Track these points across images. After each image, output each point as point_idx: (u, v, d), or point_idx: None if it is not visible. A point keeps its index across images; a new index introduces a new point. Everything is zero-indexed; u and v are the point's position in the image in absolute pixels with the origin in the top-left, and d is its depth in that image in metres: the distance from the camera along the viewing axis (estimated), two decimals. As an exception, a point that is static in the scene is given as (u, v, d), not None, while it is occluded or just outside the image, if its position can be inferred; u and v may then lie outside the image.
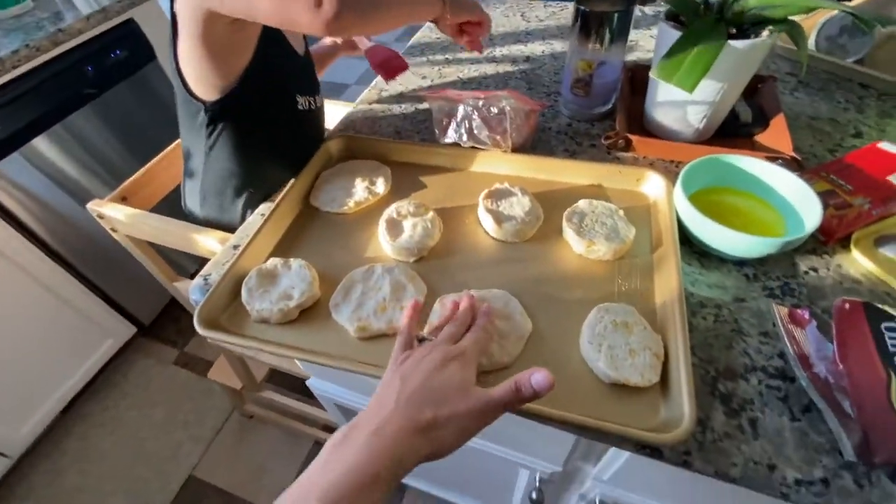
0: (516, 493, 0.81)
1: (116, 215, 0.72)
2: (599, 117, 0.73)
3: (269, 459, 1.33)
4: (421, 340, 0.42)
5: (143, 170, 0.80)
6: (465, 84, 0.84)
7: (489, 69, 0.88)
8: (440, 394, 0.33)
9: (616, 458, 0.52)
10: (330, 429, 1.31)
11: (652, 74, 0.54)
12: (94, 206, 0.73)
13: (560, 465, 0.61)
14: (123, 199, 0.76)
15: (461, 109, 0.62)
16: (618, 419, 0.39)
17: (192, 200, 0.73)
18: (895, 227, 0.52)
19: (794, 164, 0.58)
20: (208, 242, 0.68)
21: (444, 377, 0.34)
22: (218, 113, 0.61)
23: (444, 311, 0.45)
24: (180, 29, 0.55)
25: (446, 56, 0.93)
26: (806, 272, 0.50)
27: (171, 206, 0.82)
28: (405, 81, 0.86)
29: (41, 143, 1.13)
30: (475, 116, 0.62)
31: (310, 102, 0.69)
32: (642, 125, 0.70)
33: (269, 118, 0.64)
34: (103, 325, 1.41)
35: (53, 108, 1.14)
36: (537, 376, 0.33)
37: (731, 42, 0.52)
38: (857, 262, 0.50)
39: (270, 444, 1.37)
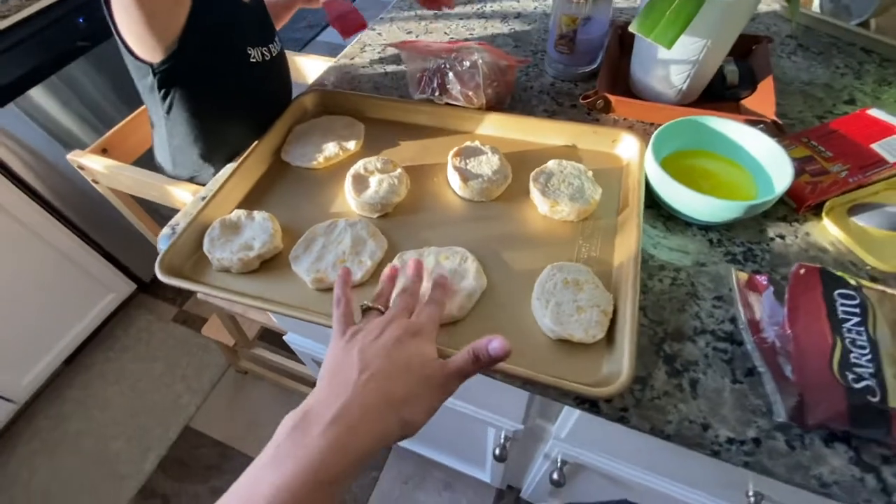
0: (487, 451, 0.84)
1: (96, 167, 0.73)
2: (584, 77, 0.70)
3: (262, 414, 1.39)
4: (367, 311, 0.39)
5: (123, 122, 0.80)
6: (455, 41, 0.82)
7: (477, 25, 0.85)
8: (402, 370, 0.31)
9: (569, 416, 0.53)
10: (320, 387, 1.35)
11: (631, 28, 0.52)
12: (74, 157, 0.74)
13: (521, 423, 0.62)
14: (104, 151, 0.76)
15: (433, 63, 0.60)
16: (561, 374, 0.39)
17: (163, 161, 0.73)
18: (871, 197, 0.51)
19: (774, 129, 0.56)
20: (183, 195, 0.68)
21: (406, 355, 0.32)
22: (166, 75, 0.60)
23: (384, 277, 0.43)
24: None
25: (435, 11, 0.89)
26: (772, 239, 0.49)
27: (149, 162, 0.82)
28: (390, 36, 0.83)
29: (37, 95, 1.13)
30: (448, 71, 0.60)
31: (263, 54, 0.67)
32: (628, 87, 0.67)
33: (221, 76, 0.63)
34: (104, 281, 1.45)
35: (47, 59, 1.13)
36: (494, 343, 0.32)
37: (714, -6, 0.49)
38: (827, 231, 0.49)
39: (263, 399, 1.42)
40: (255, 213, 0.53)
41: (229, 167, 0.63)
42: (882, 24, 0.75)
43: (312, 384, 1.33)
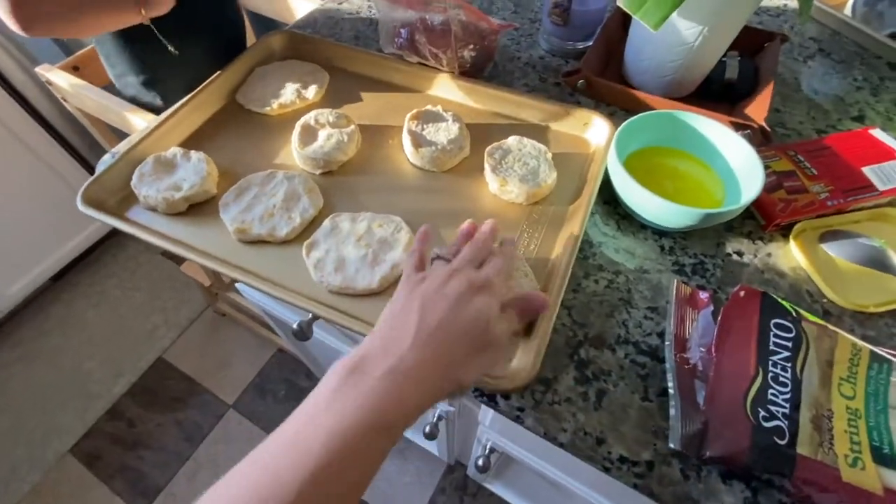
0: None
1: (62, 84, 0.71)
2: (578, 54, 0.65)
3: (234, 356, 1.41)
4: (434, 259, 0.36)
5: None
6: (451, -1, 0.76)
7: (479, -15, 0.78)
8: (463, 334, 0.29)
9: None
10: (290, 339, 1.36)
11: (619, 3, 0.47)
12: (42, 71, 0.72)
13: (449, 405, 0.61)
14: (75, 69, 0.74)
15: (405, 16, 0.56)
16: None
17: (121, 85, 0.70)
18: (849, 225, 0.46)
19: (760, 136, 0.51)
20: (140, 123, 0.66)
21: (470, 312, 0.30)
22: None
23: (461, 233, 0.40)
24: None
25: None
26: (729, 254, 0.45)
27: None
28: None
29: None
30: (419, 27, 0.55)
31: None
32: (621, 71, 0.62)
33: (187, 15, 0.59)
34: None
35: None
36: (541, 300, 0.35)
37: (714, -27, 0.44)
38: (791, 255, 0.45)
39: (237, 342, 1.44)
40: (193, 152, 0.50)
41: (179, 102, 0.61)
42: (920, 38, 0.68)
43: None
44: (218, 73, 0.58)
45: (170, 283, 1.55)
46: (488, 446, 0.65)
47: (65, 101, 0.75)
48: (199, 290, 1.52)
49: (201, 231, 0.47)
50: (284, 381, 1.36)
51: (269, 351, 1.42)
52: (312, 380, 1.35)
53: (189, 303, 1.51)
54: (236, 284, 0.72)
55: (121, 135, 0.85)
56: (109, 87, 0.74)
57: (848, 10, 0.69)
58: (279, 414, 1.30)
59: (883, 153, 0.48)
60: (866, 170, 0.47)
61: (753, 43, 0.60)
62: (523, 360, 0.36)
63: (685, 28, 0.49)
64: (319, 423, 0.25)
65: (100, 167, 0.53)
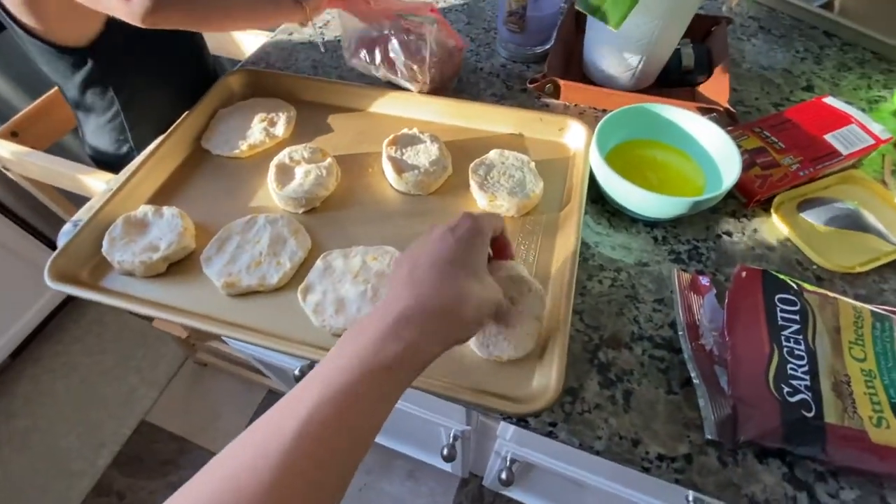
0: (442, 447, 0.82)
1: (2, 152, 0.65)
2: (537, 58, 0.66)
3: (222, 406, 1.34)
4: None
5: (35, 104, 0.72)
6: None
7: None
8: (455, 258, 0.30)
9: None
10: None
11: (577, 6, 0.48)
12: (-23, 142, 0.66)
13: (466, 424, 0.60)
14: (13, 135, 0.69)
15: (376, 30, 0.55)
16: (489, 387, 0.37)
17: (95, 141, 0.66)
18: (821, 191, 0.49)
19: (727, 118, 0.53)
20: (97, 185, 0.62)
21: (459, 234, 0.31)
22: (81, 59, 0.53)
23: None
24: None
25: None
26: (719, 236, 0.46)
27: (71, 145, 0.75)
28: (332, 10, 0.77)
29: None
30: (391, 38, 0.54)
31: None
32: (582, 70, 0.63)
33: (144, 45, 0.57)
34: (47, 270, 1.36)
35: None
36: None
37: (664, -30, 0.45)
38: (776, 227, 0.47)
39: (224, 391, 1.37)
40: (165, 208, 0.48)
41: (141, 156, 0.57)
42: (845, 7, 0.72)
43: (272, 377, 1.29)
44: (178, 121, 0.55)
45: (141, 340, 1.47)
46: (508, 458, 0.64)
47: (6, 169, 0.70)
48: (174, 344, 1.44)
49: (186, 290, 0.44)
50: (280, 422, 1.31)
51: (258, 394, 1.37)
52: (310, 416, 1.30)
53: (165, 358, 1.43)
54: (224, 337, 0.69)
55: (72, 197, 0.80)
56: (52, 150, 0.70)
57: (780, -14, 0.73)
58: (280, 458, 1.25)
59: (840, 119, 0.51)
60: (828, 137, 0.50)
61: (701, 28, 0.62)
62: (546, 378, 0.36)
63: (642, 24, 0.51)
64: (316, 373, 0.25)
65: (62, 238, 0.49)
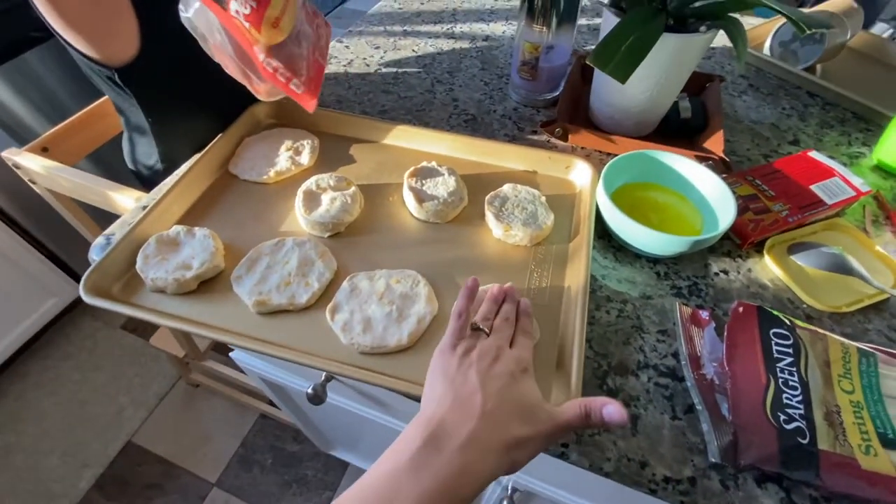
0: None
1: (33, 166, 0.68)
2: (547, 104, 0.71)
3: (212, 429, 1.32)
4: (474, 330, 0.39)
5: (69, 120, 0.75)
6: (420, 58, 0.82)
7: (445, 45, 0.85)
8: (520, 411, 0.32)
9: (517, 447, 0.52)
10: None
11: (588, 61, 0.53)
12: (9, 155, 0.69)
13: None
14: (44, 150, 0.71)
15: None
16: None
17: (144, 155, 0.69)
18: (809, 236, 0.53)
19: (722, 166, 0.57)
20: (125, 202, 0.64)
21: (521, 392, 0.33)
22: (128, 76, 0.57)
23: (487, 301, 0.42)
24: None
25: (405, 28, 0.89)
26: (717, 273, 0.50)
27: (102, 159, 0.78)
28: (357, 51, 0.82)
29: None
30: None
31: None
32: (588, 116, 0.68)
33: (187, 68, 0.61)
34: (46, 284, 1.36)
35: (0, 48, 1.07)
36: (610, 409, 0.32)
37: (667, 34, 0.50)
38: (768, 268, 0.50)
39: (215, 414, 1.35)
40: (196, 229, 0.50)
41: (172, 178, 0.60)
42: (827, 70, 0.80)
43: (268, 400, 1.28)
44: (207, 147, 0.59)
45: (133, 358, 1.46)
46: (510, 486, 0.65)
47: (32, 182, 0.72)
48: (167, 363, 1.43)
49: (216, 308, 0.46)
50: (270, 448, 1.29)
51: (250, 418, 1.35)
52: (301, 443, 1.29)
53: (158, 378, 1.42)
54: (232, 354, 0.70)
55: (93, 212, 0.82)
56: (79, 166, 0.73)
57: (766, 50, 0.80)
58: (268, 486, 1.22)
59: (824, 172, 0.56)
60: (814, 187, 0.54)
61: (697, 84, 0.68)
62: (564, 397, 0.38)
63: (645, 78, 0.56)
64: (404, 487, 0.27)
65: (95, 250, 0.51)
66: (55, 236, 1.33)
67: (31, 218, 1.26)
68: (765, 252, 0.51)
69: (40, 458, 1.25)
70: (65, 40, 0.55)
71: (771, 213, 0.52)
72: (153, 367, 1.43)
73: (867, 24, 1.16)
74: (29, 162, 0.68)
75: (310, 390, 0.56)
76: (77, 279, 1.43)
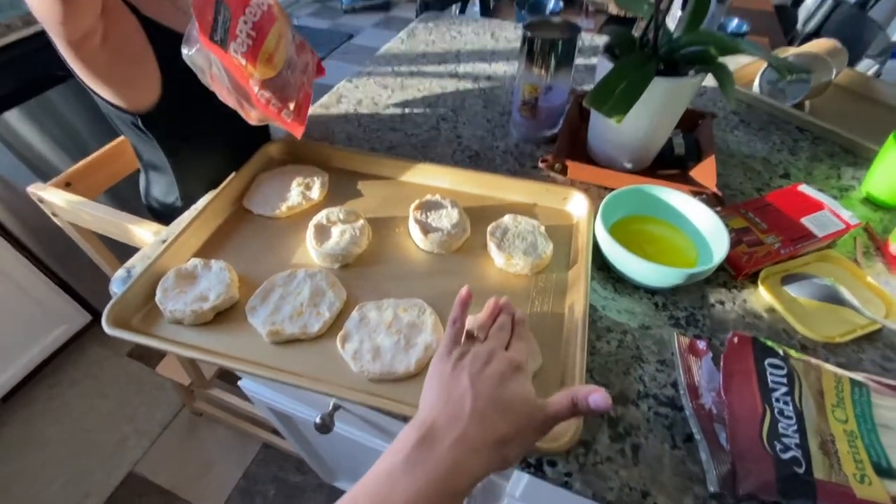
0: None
1: (57, 201, 0.71)
2: (546, 140, 0.74)
3: (215, 459, 1.31)
4: (469, 338, 0.40)
5: (91, 157, 0.79)
6: (426, 97, 0.86)
7: (450, 84, 0.89)
8: (511, 408, 0.33)
9: (521, 476, 0.53)
10: (279, 433, 1.30)
11: (585, 103, 0.56)
12: (34, 190, 0.72)
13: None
14: (67, 185, 0.75)
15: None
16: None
17: (160, 193, 0.73)
18: (802, 267, 0.55)
19: (715, 200, 0.60)
20: (144, 235, 0.67)
21: (511, 391, 0.34)
22: (152, 122, 0.61)
23: (484, 313, 0.44)
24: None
25: (411, 69, 0.94)
26: (713, 304, 0.52)
27: (119, 194, 0.81)
28: (366, 91, 0.87)
29: (12, 118, 1.12)
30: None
31: None
32: (586, 151, 0.72)
33: (204, 114, 0.65)
34: (56, 311, 1.38)
35: (24, 85, 1.13)
36: (595, 396, 0.32)
37: (658, 78, 0.54)
38: (762, 299, 0.52)
39: (218, 443, 1.35)
40: (213, 262, 0.53)
41: (195, 206, 0.63)
42: (815, 106, 0.83)
43: (272, 430, 1.28)
44: (223, 183, 0.62)
45: (139, 386, 1.46)
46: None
47: (54, 215, 0.75)
48: (172, 392, 1.44)
49: (232, 338, 0.48)
50: (273, 479, 1.28)
51: (253, 448, 1.34)
52: (305, 473, 1.27)
53: (162, 406, 1.42)
54: (240, 383, 0.71)
55: (108, 243, 0.85)
56: (99, 200, 0.76)
57: (755, 88, 0.84)
58: (271, 517, 1.21)
59: (814, 205, 0.58)
60: (804, 220, 0.57)
61: (690, 121, 0.72)
62: (566, 423, 0.39)
63: (640, 118, 0.59)
64: (399, 485, 0.29)
65: (116, 283, 0.54)
66: (68, 265, 1.36)
67: (44, 247, 1.29)
68: (759, 283, 0.53)
69: (42, 487, 1.24)
70: (92, 91, 0.59)
71: (764, 246, 0.54)
72: (158, 396, 1.44)
73: (854, 61, 1.21)
74: (53, 196, 0.72)
75: (318, 419, 0.57)
76: (87, 307, 1.46)
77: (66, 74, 0.57)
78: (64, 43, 0.50)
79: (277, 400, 0.70)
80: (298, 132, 0.56)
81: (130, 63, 0.57)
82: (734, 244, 0.54)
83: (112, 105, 0.60)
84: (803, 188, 0.61)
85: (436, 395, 0.35)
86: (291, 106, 0.55)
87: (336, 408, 0.59)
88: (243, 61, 0.49)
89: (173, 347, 0.45)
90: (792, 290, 0.52)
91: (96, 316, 1.52)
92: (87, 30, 0.49)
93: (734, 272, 0.54)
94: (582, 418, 0.39)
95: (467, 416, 0.32)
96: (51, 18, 0.45)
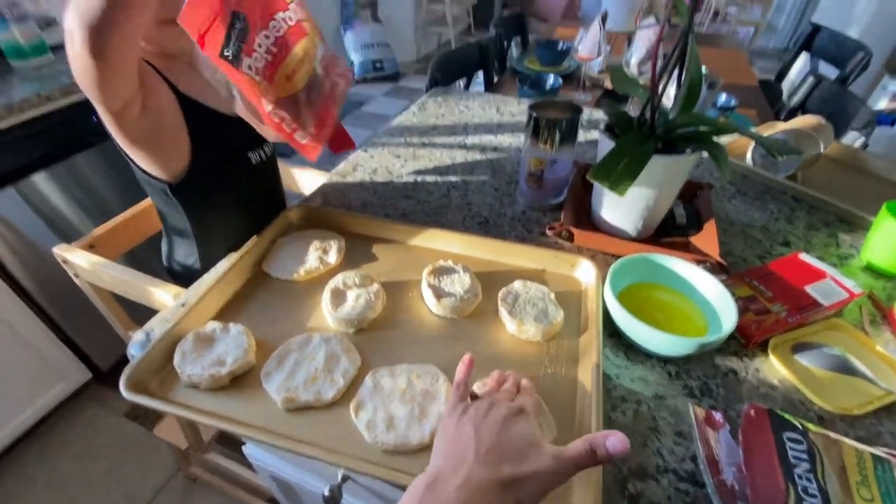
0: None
1: (80, 262, 0.74)
2: (552, 208, 0.78)
3: (206, 530, 1.24)
4: (474, 398, 0.41)
5: (116, 220, 0.83)
6: (437, 167, 0.91)
7: (459, 154, 0.95)
8: (516, 450, 0.33)
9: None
10: (276, 502, 1.24)
11: (589, 177, 0.59)
12: (59, 251, 0.75)
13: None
14: (91, 247, 0.78)
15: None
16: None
17: (182, 256, 0.76)
18: (811, 336, 0.55)
19: (719, 268, 0.62)
20: (164, 297, 0.69)
21: (514, 432, 0.35)
22: (181, 189, 0.65)
23: (490, 381, 0.45)
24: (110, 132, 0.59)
25: (423, 140, 1.00)
26: (725, 374, 0.52)
27: (136, 256, 0.84)
28: (381, 160, 0.92)
29: (39, 179, 1.18)
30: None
31: (261, 155, 0.74)
32: (591, 219, 0.75)
33: (228, 179, 0.69)
34: (57, 367, 1.37)
35: (54, 149, 1.20)
36: (613, 439, 0.32)
37: (657, 156, 0.58)
38: (775, 368, 0.52)
39: (211, 512, 1.28)
40: (231, 325, 0.54)
41: (215, 269, 0.65)
42: (807, 177, 0.87)
43: (269, 498, 1.22)
44: (245, 248, 0.64)
45: (133, 448, 1.41)
46: None
47: (76, 276, 0.78)
48: (167, 455, 1.38)
49: (245, 404, 0.48)
50: (267, 554, 1.20)
51: (248, 517, 1.27)
52: (301, 548, 1.19)
53: (156, 469, 1.36)
54: (244, 448, 0.69)
55: (126, 304, 0.87)
56: (124, 262, 0.79)
57: (748, 160, 0.88)
58: None
59: (815, 274, 0.60)
60: (808, 289, 0.58)
61: (689, 191, 0.75)
62: (584, 497, 0.39)
63: (642, 192, 0.63)
64: None
65: (134, 346, 0.55)
66: (74, 322, 1.37)
67: (54, 303, 1.31)
68: (770, 352, 0.53)
69: (21, 562, 1.17)
70: (128, 157, 0.63)
71: (771, 314, 0.55)
72: (152, 459, 1.38)
73: (840, 133, 1.28)
74: (77, 258, 0.74)
75: (326, 492, 0.55)
76: (88, 364, 1.45)
77: (95, 140, 0.62)
78: (105, 111, 0.54)
79: (282, 468, 0.68)
80: (313, 155, 0.53)
81: (165, 133, 0.62)
82: (742, 312, 0.55)
83: (145, 172, 0.64)
84: (804, 256, 0.63)
85: (442, 447, 0.36)
86: (309, 128, 0.52)
87: (345, 479, 0.57)
88: (257, 77, 0.46)
89: (192, 414, 0.45)
90: (803, 360, 0.52)
91: (96, 374, 1.50)
92: (127, 100, 0.54)
93: (744, 340, 0.55)
94: (601, 492, 0.38)
95: (472, 460, 0.32)
96: (91, 86, 0.49)
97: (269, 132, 0.56)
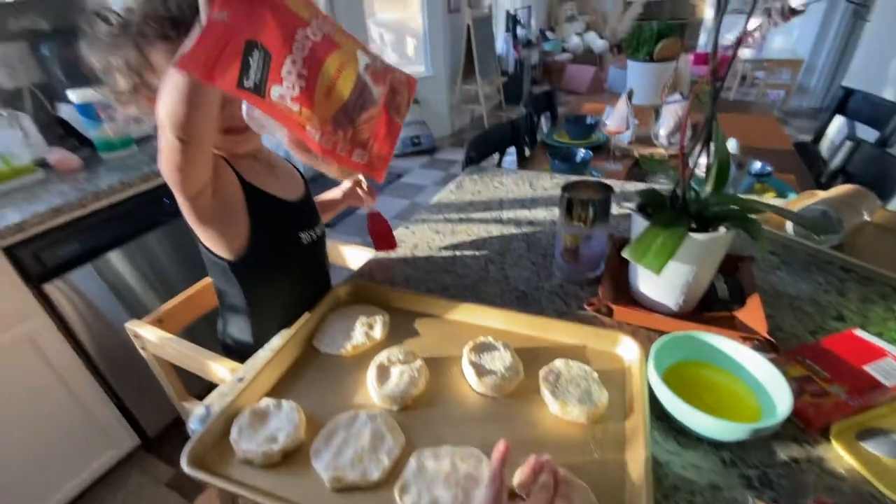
0: None
1: (149, 336, 0.80)
2: (590, 281, 0.79)
3: None
4: (512, 497, 0.41)
5: (182, 296, 0.90)
6: (474, 241, 0.95)
7: (495, 229, 0.99)
8: None
9: None
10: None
11: (624, 254, 0.61)
12: (131, 326, 0.82)
13: None
14: (159, 322, 0.85)
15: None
16: None
17: (236, 331, 0.82)
18: (878, 421, 0.52)
19: (768, 346, 0.60)
20: (221, 371, 0.73)
21: None
22: (239, 267, 0.72)
23: (526, 468, 0.44)
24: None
25: (460, 216, 1.06)
26: (785, 463, 0.49)
27: (191, 330, 0.91)
28: (421, 236, 0.98)
29: (113, 256, 1.31)
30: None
31: (311, 235, 0.80)
32: (629, 293, 0.75)
33: (281, 260, 0.75)
34: (109, 433, 1.42)
35: (129, 229, 1.34)
36: None
37: (692, 234, 0.59)
38: (840, 457, 0.49)
39: None
40: (284, 402, 0.56)
41: (269, 346, 0.70)
42: (855, 245, 0.85)
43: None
44: (298, 324, 0.69)
45: (171, 520, 1.41)
46: None
47: (143, 349, 0.84)
48: (204, 528, 1.37)
49: (295, 482, 0.49)
50: None
51: None
52: None
53: (191, 545, 1.34)
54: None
55: (184, 376, 0.92)
56: (181, 335, 0.85)
57: (788, 229, 0.88)
58: None
59: (875, 352, 0.57)
60: (868, 368, 0.55)
61: (730, 265, 0.75)
62: None
63: (680, 268, 0.63)
64: None
65: (195, 421, 0.58)
66: (129, 390, 1.44)
67: (113, 369, 1.39)
68: (832, 439, 0.50)
69: None
70: (196, 237, 0.71)
71: (830, 396, 0.53)
72: (189, 532, 1.37)
73: (886, 197, 1.25)
74: (148, 333, 0.81)
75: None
76: (137, 430, 1.50)
77: (163, 220, 0.71)
78: (182, 195, 0.62)
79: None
80: (379, 175, 0.49)
81: (229, 215, 0.69)
82: (796, 394, 0.53)
83: (209, 251, 0.72)
84: (859, 333, 0.61)
85: None
86: (367, 145, 0.47)
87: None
88: (295, 107, 0.43)
89: (248, 493, 0.47)
90: (871, 448, 0.49)
91: (144, 440, 1.54)
92: (202, 187, 0.62)
93: (802, 425, 0.52)
94: None
95: None
96: (174, 171, 0.57)
97: (327, 167, 0.52)
